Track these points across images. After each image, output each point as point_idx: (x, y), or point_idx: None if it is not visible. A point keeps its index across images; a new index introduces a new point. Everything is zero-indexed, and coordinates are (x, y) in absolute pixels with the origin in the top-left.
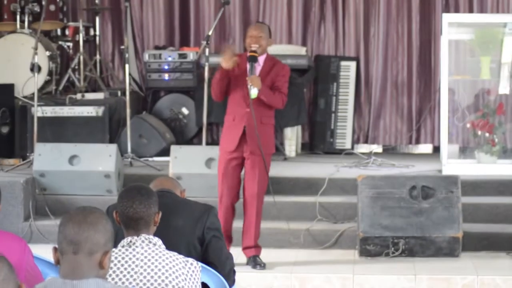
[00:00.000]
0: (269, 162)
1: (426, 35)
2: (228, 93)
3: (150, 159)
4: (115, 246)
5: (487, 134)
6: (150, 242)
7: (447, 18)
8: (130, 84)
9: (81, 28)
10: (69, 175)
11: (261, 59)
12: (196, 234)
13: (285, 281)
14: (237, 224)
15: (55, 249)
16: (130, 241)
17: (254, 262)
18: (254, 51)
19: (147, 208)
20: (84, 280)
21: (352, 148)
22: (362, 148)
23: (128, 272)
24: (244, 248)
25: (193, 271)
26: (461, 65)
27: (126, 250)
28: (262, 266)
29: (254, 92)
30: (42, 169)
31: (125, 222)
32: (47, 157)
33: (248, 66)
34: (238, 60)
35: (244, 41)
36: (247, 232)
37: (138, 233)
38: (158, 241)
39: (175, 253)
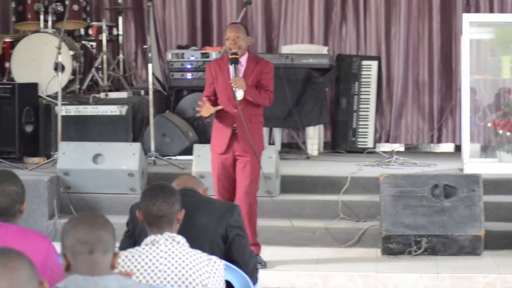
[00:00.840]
0: (259, 160)
1: (447, 34)
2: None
3: (173, 157)
4: (139, 244)
5: (508, 133)
6: (173, 240)
7: (468, 18)
8: (153, 83)
9: (104, 27)
10: (93, 174)
11: (243, 59)
12: (220, 232)
13: (307, 279)
14: None
15: (64, 255)
16: (154, 239)
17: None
18: (235, 53)
19: (170, 206)
20: (105, 276)
21: (374, 147)
22: (384, 147)
23: (152, 270)
24: None
25: (216, 269)
26: (482, 65)
27: (150, 248)
28: (263, 265)
29: (239, 94)
30: (66, 168)
31: (149, 220)
32: (71, 156)
33: (230, 68)
34: (220, 65)
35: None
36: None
37: (161, 231)
38: (181, 239)
39: (199, 251)
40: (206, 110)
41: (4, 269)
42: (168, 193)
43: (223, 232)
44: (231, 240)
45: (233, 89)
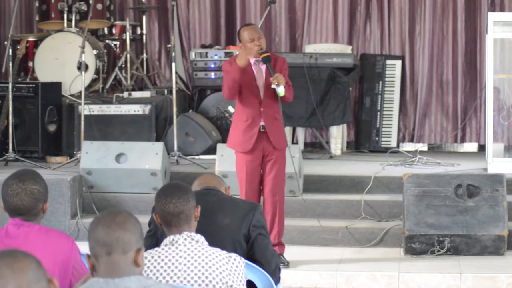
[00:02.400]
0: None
1: (472, 33)
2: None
3: (196, 157)
4: (159, 246)
5: None
6: (192, 239)
7: (493, 17)
8: (176, 82)
9: (128, 27)
10: (115, 173)
11: None
12: (242, 231)
13: (330, 278)
14: None
15: (88, 257)
16: (173, 240)
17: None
18: (266, 52)
19: (186, 202)
20: (126, 278)
21: (398, 146)
22: (408, 146)
23: (172, 271)
24: None
25: (237, 266)
26: (507, 64)
27: (169, 248)
28: (286, 264)
29: (281, 90)
30: (89, 167)
31: (167, 219)
32: (94, 155)
33: (266, 66)
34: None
35: (240, 44)
36: (270, 230)
37: (180, 230)
38: (200, 238)
39: (218, 249)
40: (244, 56)
41: (11, 271)
42: (183, 190)
43: (245, 232)
44: (253, 239)
45: (273, 86)
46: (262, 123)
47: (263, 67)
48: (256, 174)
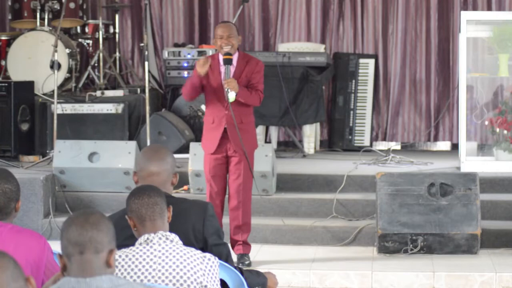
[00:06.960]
0: (252, 159)
1: (445, 32)
2: (205, 95)
3: None
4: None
5: (505, 132)
6: (167, 238)
7: (466, 16)
8: (149, 81)
9: (100, 25)
10: (88, 172)
11: (234, 58)
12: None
13: (303, 277)
14: (226, 220)
15: (60, 256)
16: (147, 239)
17: (241, 261)
18: (229, 54)
19: (160, 195)
20: (98, 277)
21: (371, 145)
22: (381, 145)
23: (146, 270)
24: (233, 243)
25: (211, 266)
26: (479, 63)
27: (144, 247)
28: (246, 264)
29: (232, 96)
30: (61, 166)
31: (141, 213)
32: (67, 154)
33: (223, 69)
34: (211, 64)
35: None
36: (236, 228)
37: (154, 225)
38: (175, 237)
39: (193, 249)
40: (203, 63)
41: None
42: (155, 189)
43: (199, 243)
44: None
45: (225, 90)
46: (225, 125)
47: (232, 68)
48: (220, 173)
